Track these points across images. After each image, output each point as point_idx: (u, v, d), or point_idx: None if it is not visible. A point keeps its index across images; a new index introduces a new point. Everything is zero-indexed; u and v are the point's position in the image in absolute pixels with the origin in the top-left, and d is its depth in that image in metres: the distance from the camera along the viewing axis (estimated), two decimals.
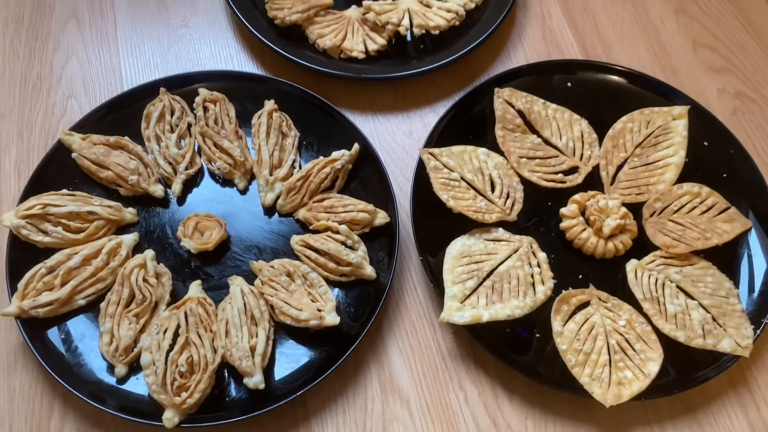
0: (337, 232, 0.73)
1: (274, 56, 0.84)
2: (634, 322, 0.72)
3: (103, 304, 0.70)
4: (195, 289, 0.71)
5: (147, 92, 0.80)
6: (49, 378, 0.68)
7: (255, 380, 0.65)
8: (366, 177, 0.78)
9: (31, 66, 0.85)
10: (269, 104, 0.79)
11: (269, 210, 0.77)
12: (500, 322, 0.70)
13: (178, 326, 0.68)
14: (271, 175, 0.77)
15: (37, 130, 0.81)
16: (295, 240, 0.74)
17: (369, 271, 0.72)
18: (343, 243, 0.73)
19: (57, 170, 0.76)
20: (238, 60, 0.87)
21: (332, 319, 0.68)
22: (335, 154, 0.77)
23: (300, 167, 0.78)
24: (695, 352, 0.70)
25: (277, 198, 0.76)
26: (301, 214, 0.76)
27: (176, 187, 0.76)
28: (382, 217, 0.75)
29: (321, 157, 0.77)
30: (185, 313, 0.68)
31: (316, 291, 0.71)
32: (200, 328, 0.68)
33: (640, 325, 0.72)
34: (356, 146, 0.77)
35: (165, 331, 0.67)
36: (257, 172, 0.77)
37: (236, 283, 0.71)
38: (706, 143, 0.82)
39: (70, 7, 0.89)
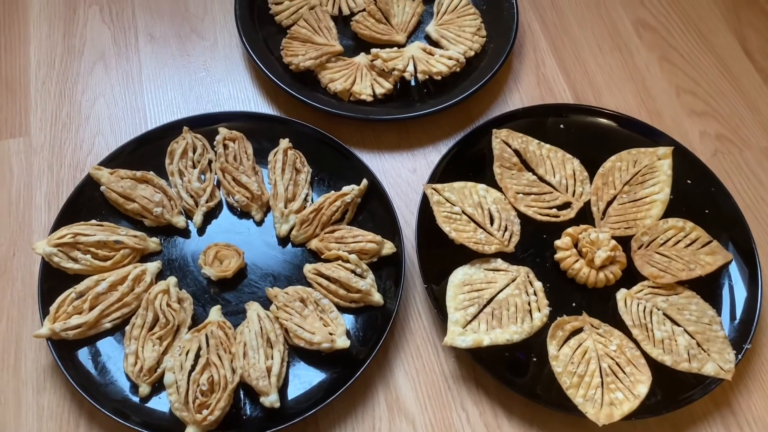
0: (347, 261, 0.78)
1: (289, 98, 0.91)
2: (625, 347, 0.77)
3: (128, 327, 0.74)
4: (215, 313, 0.76)
5: (171, 131, 0.86)
6: (76, 396, 0.73)
7: (271, 399, 0.70)
8: (374, 210, 0.84)
9: (62, 105, 0.91)
10: (284, 143, 0.86)
11: (283, 240, 0.82)
12: (500, 347, 0.75)
13: (200, 348, 0.73)
14: (285, 208, 0.82)
15: (66, 165, 0.87)
16: (308, 268, 0.79)
17: (377, 297, 0.77)
18: (353, 271, 0.78)
19: (86, 202, 0.81)
20: (254, 102, 0.94)
21: (343, 342, 0.73)
22: (345, 189, 0.83)
23: (312, 201, 0.84)
24: (681, 375, 0.75)
25: (291, 229, 0.82)
26: (314, 244, 0.81)
27: (197, 218, 0.82)
28: (389, 248, 0.80)
29: (332, 192, 0.83)
30: (206, 335, 0.73)
31: (328, 316, 0.76)
32: (220, 350, 0.72)
33: (630, 350, 0.77)
34: (365, 181, 0.83)
35: (187, 353, 0.72)
36: (273, 205, 0.83)
37: (253, 308, 0.76)
38: (689, 181, 0.88)
39: (98, 52, 0.96)
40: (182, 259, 0.81)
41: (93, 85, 0.94)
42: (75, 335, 0.73)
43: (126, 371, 0.72)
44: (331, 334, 0.74)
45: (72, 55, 0.96)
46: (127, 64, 0.96)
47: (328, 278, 0.78)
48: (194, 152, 0.85)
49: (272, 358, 0.73)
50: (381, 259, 0.80)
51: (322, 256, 0.80)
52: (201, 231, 0.82)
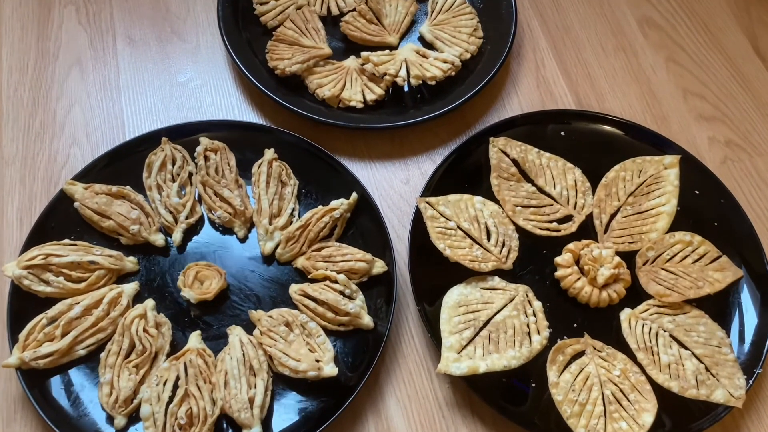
0: (336, 282, 0.74)
1: (275, 105, 0.86)
2: (629, 372, 0.73)
3: (103, 355, 0.70)
4: (194, 339, 0.72)
5: (149, 141, 0.81)
6: (48, 430, 0.69)
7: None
8: (364, 225, 0.79)
9: (35, 114, 0.87)
10: (269, 153, 0.81)
11: (268, 258, 0.78)
12: (497, 372, 0.71)
13: (178, 378, 0.68)
14: (270, 224, 0.78)
15: (39, 177, 0.83)
16: (294, 289, 0.75)
17: (367, 320, 0.73)
18: (342, 292, 0.74)
19: (59, 219, 0.77)
20: (239, 109, 0.89)
21: (330, 370, 0.69)
22: (334, 203, 0.78)
23: (299, 216, 0.80)
24: (689, 402, 0.71)
25: (277, 247, 0.78)
26: (300, 262, 0.77)
27: (177, 236, 0.77)
28: (379, 266, 0.76)
29: (320, 206, 0.79)
30: (185, 364, 0.69)
31: (315, 341, 0.71)
32: (200, 380, 0.68)
33: (635, 375, 0.72)
34: (354, 195, 0.79)
35: (165, 383, 0.68)
36: (257, 222, 0.78)
37: (235, 333, 0.72)
38: (697, 192, 0.84)
39: (73, 56, 0.91)
40: (161, 279, 0.76)
41: (68, 91, 0.89)
42: (46, 364, 0.69)
43: (101, 402, 0.69)
44: (317, 361, 0.69)
45: (46, 59, 0.91)
46: (105, 69, 0.91)
47: (315, 300, 0.73)
48: (173, 165, 0.80)
49: (255, 387, 0.69)
50: (371, 278, 0.76)
51: (309, 276, 0.76)
52: (181, 249, 0.78)
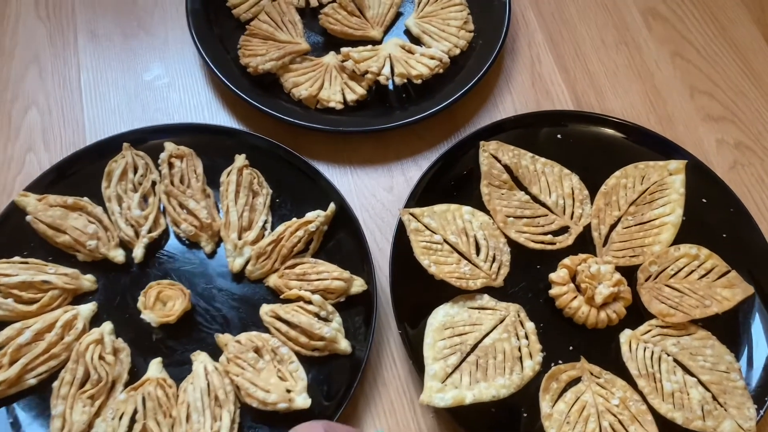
0: (310, 303, 0.68)
1: (247, 106, 0.79)
2: (628, 400, 0.67)
3: (55, 384, 0.64)
4: (154, 368, 0.66)
5: (109, 147, 0.75)
6: None
7: None
8: (342, 238, 0.73)
9: None
10: (239, 160, 0.75)
11: (238, 276, 0.72)
12: (485, 402, 0.65)
13: (136, 411, 0.63)
14: (239, 238, 0.72)
15: None
16: (265, 310, 0.69)
17: (344, 345, 0.67)
18: (317, 314, 0.68)
19: (11, 234, 0.71)
20: (209, 110, 0.82)
21: (303, 401, 0.63)
22: (309, 216, 0.72)
23: (272, 229, 0.73)
24: None
25: (247, 263, 0.71)
26: (272, 281, 0.71)
27: (138, 251, 0.71)
28: (358, 285, 0.70)
29: (294, 219, 0.72)
30: (143, 396, 0.63)
31: (287, 368, 0.65)
32: (159, 414, 0.62)
33: (635, 404, 0.67)
34: (332, 206, 0.73)
35: (121, 417, 0.62)
36: (224, 236, 0.72)
37: (200, 359, 0.66)
38: (704, 200, 0.77)
39: (31, 53, 0.84)
40: (121, 298, 0.70)
41: (25, 92, 0.82)
42: None
43: None
44: (289, 391, 0.64)
45: (1, 57, 0.84)
46: (65, 67, 0.84)
47: (287, 323, 0.67)
48: (135, 173, 0.74)
49: (221, 420, 0.63)
50: (350, 297, 0.70)
51: (282, 296, 0.70)
52: (143, 265, 0.72)
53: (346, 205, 0.73)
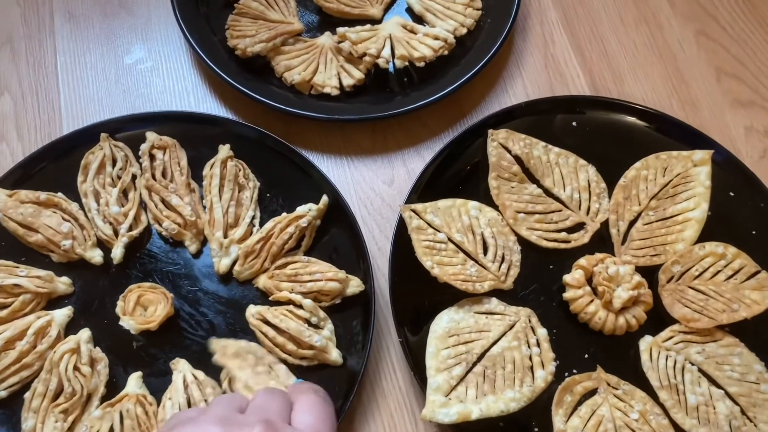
0: (301, 307, 0.63)
1: (236, 92, 0.73)
2: (649, 414, 0.61)
3: (27, 395, 0.60)
4: (133, 383, 0.60)
5: (86, 138, 0.69)
6: None
7: None
8: (337, 236, 0.67)
9: None
10: (223, 151, 0.69)
11: (225, 277, 0.66)
12: (492, 417, 0.60)
13: (112, 429, 0.58)
14: (225, 237, 0.66)
15: None
16: (252, 311, 0.64)
17: (334, 356, 0.61)
18: (307, 320, 0.62)
19: None
20: (195, 95, 0.76)
21: None
22: (300, 210, 0.66)
23: (260, 225, 0.68)
24: None
25: (234, 263, 0.66)
26: (261, 282, 0.65)
27: (117, 252, 0.65)
28: (355, 286, 0.64)
29: (284, 214, 0.67)
30: (120, 414, 0.58)
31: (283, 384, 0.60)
32: None
33: (656, 418, 0.61)
34: (324, 199, 0.67)
35: None
36: (209, 235, 0.66)
37: (179, 368, 0.61)
38: (731, 194, 0.71)
39: (4, 35, 0.78)
40: (99, 302, 0.65)
41: None
42: None
43: None
44: None
45: None
46: (40, 51, 0.78)
47: (275, 327, 0.62)
48: (114, 166, 0.68)
49: None
50: (346, 299, 0.65)
51: (271, 298, 0.64)
52: (122, 266, 0.66)
53: (341, 198, 0.67)
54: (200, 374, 0.61)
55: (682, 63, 0.81)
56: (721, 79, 0.80)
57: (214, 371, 0.61)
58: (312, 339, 0.60)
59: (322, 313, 0.63)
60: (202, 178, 0.69)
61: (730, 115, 0.78)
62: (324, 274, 0.64)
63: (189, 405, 0.59)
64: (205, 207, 0.68)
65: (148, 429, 0.58)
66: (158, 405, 0.60)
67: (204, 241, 0.68)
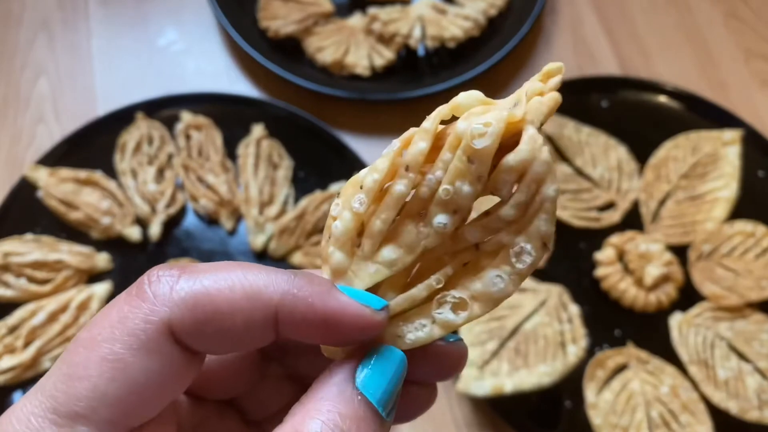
0: None
1: (268, 73, 0.74)
2: (679, 388, 0.62)
3: None
4: None
5: (121, 118, 0.71)
6: None
7: None
8: None
9: None
10: (257, 130, 0.70)
11: (260, 254, 0.68)
12: (525, 390, 0.61)
13: None
14: (260, 214, 0.67)
15: (1, 160, 0.72)
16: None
17: None
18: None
19: (21, 211, 0.67)
20: (227, 76, 0.78)
21: None
22: (333, 188, 0.68)
23: (294, 203, 0.69)
24: (750, 426, 0.61)
25: (269, 240, 0.67)
26: (297, 258, 0.67)
27: (154, 229, 0.67)
28: None
29: (318, 192, 0.68)
30: None
31: None
32: None
33: (686, 392, 0.62)
34: None
35: None
36: (245, 212, 0.67)
37: None
38: (761, 173, 0.71)
39: (40, 19, 0.80)
40: (138, 278, 0.66)
41: (34, 60, 0.78)
42: (7, 380, 0.60)
43: None
44: None
45: (9, 23, 0.79)
46: (75, 34, 0.79)
47: None
48: (150, 145, 0.70)
49: None
50: None
51: None
52: (160, 243, 0.68)
53: None
54: None
55: (711, 44, 0.81)
56: (750, 60, 0.80)
57: None
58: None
59: None
60: (236, 157, 0.70)
61: (759, 96, 0.78)
62: None
63: None
64: (240, 185, 0.69)
65: None
66: None
67: (239, 219, 0.69)
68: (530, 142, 0.25)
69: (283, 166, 0.70)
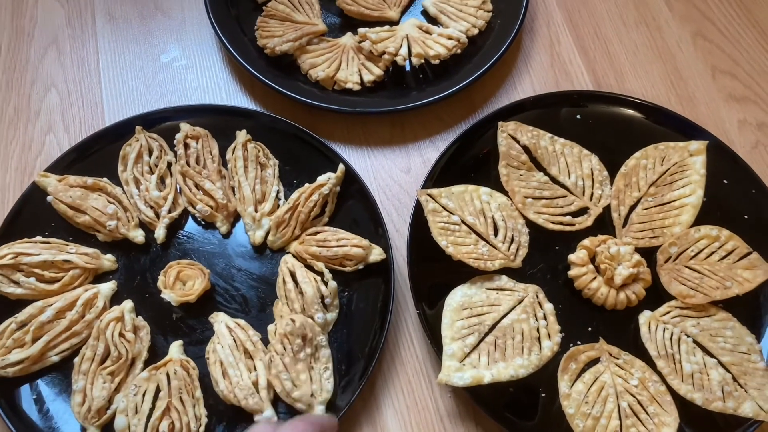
0: (326, 285, 0.68)
1: (265, 88, 0.79)
2: (647, 381, 0.66)
3: (77, 360, 0.65)
4: (176, 349, 0.66)
5: (127, 128, 0.75)
6: None
7: (266, 415, 0.62)
8: (360, 218, 0.73)
9: (8, 98, 0.81)
10: (241, 135, 0.75)
11: (259, 249, 0.72)
12: (503, 382, 0.65)
13: (158, 389, 0.63)
14: (256, 211, 0.72)
15: (12, 168, 0.77)
16: (288, 262, 0.69)
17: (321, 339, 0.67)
18: (322, 296, 0.68)
19: (32, 214, 0.72)
20: (226, 91, 0.83)
21: (319, 411, 0.63)
22: (321, 179, 0.73)
23: (285, 198, 0.74)
24: (715, 415, 0.65)
25: (267, 235, 0.72)
26: (293, 247, 0.71)
27: (159, 232, 0.71)
28: (377, 254, 0.70)
29: (306, 185, 0.72)
30: (167, 375, 0.64)
31: (319, 370, 0.65)
32: (184, 393, 0.63)
33: (654, 385, 0.66)
34: (341, 167, 0.73)
35: (144, 394, 0.63)
36: (241, 211, 0.72)
37: (219, 320, 0.67)
38: (725, 181, 0.76)
39: (50, 35, 0.85)
40: (141, 278, 0.71)
41: (44, 74, 0.83)
42: (15, 372, 0.64)
43: (73, 411, 0.64)
44: (312, 395, 0.63)
45: (20, 39, 0.84)
46: (83, 49, 0.84)
47: (297, 283, 0.68)
48: (150, 155, 0.74)
49: (256, 370, 0.64)
50: (368, 274, 0.70)
51: (308, 262, 0.70)
52: (163, 245, 0.72)
53: (363, 184, 0.73)
54: (241, 321, 0.67)
55: (679, 62, 0.86)
56: (717, 77, 0.85)
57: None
58: (316, 314, 0.66)
59: (336, 301, 0.68)
60: (227, 162, 0.75)
61: (724, 110, 0.83)
62: (350, 241, 0.69)
63: (237, 345, 0.65)
64: (234, 188, 0.73)
65: (192, 390, 0.64)
66: (198, 370, 0.66)
67: (233, 223, 0.73)
68: None
69: (270, 165, 0.74)
